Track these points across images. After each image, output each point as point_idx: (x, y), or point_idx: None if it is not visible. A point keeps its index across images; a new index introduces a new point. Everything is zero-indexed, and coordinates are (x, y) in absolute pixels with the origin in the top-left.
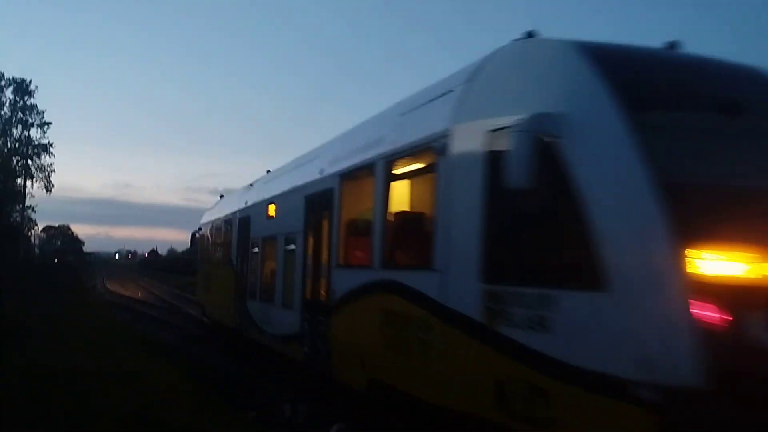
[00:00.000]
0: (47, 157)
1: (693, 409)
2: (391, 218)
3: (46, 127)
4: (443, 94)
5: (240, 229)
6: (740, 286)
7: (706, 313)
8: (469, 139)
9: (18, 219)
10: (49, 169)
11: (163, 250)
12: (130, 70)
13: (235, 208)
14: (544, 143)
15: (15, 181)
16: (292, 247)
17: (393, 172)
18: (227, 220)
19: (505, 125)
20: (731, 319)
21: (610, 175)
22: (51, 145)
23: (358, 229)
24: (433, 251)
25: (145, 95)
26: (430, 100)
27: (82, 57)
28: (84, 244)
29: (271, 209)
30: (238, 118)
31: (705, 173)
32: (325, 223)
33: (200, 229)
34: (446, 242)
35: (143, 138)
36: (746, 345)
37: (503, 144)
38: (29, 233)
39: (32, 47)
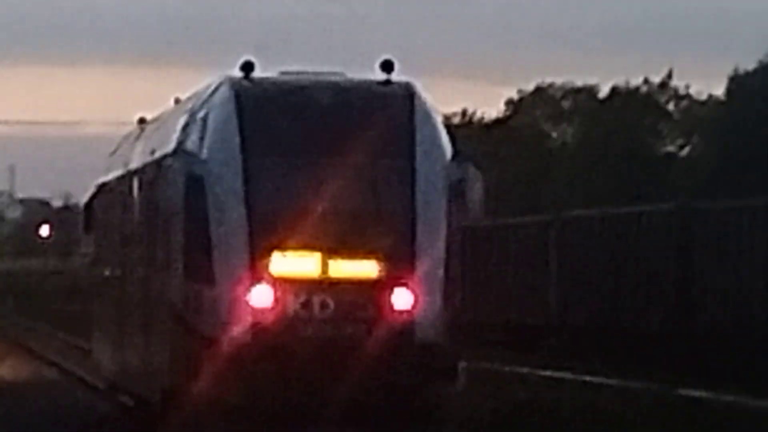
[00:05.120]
0: None
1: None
2: None
3: None
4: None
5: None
6: (288, 278)
7: (261, 295)
8: None
9: None
10: None
11: None
12: None
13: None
14: (191, 176)
15: None
16: None
17: None
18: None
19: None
20: (276, 299)
21: (225, 202)
22: None
23: None
24: None
25: None
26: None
27: None
28: None
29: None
30: None
31: (287, 202)
32: None
33: (97, 194)
34: None
35: None
36: (282, 315)
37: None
38: None
39: None
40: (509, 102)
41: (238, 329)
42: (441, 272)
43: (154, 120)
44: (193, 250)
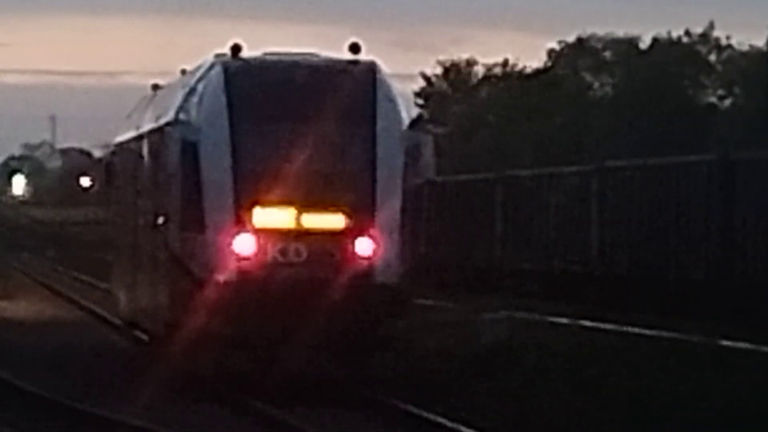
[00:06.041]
0: None
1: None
2: None
3: None
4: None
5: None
6: (267, 229)
7: (245, 244)
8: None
9: None
10: None
11: None
12: None
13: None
14: (187, 142)
15: None
16: None
17: None
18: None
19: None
20: (257, 246)
21: (215, 165)
22: None
23: None
24: None
25: None
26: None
27: None
28: None
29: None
30: None
31: (268, 164)
32: None
33: (114, 153)
34: None
35: None
36: (262, 260)
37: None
38: None
39: None
40: (551, 53)
41: (225, 272)
42: (398, 224)
43: (163, 88)
44: (187, 205)
